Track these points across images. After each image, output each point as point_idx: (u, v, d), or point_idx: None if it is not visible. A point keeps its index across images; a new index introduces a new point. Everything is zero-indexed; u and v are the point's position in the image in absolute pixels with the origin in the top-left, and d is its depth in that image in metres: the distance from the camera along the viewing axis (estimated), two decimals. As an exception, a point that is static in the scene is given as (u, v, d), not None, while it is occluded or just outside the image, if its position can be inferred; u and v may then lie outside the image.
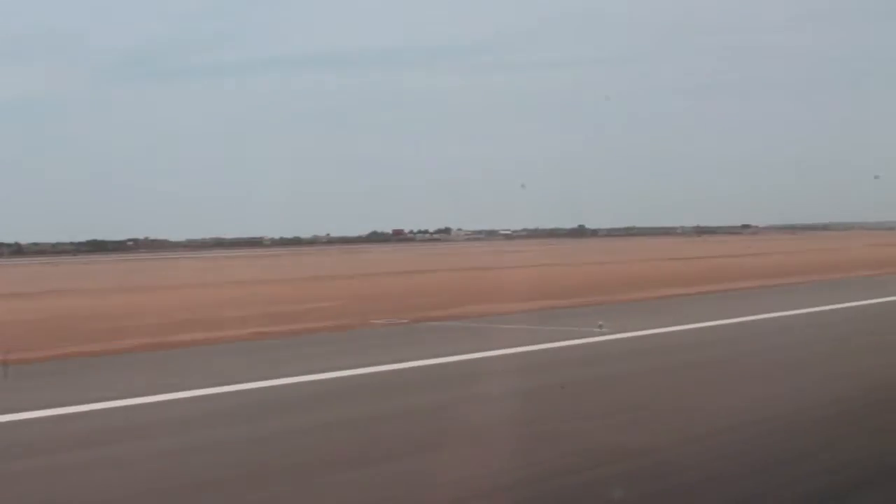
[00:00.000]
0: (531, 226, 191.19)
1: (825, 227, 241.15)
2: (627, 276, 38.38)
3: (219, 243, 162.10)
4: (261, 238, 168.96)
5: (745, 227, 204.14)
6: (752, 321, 19.68)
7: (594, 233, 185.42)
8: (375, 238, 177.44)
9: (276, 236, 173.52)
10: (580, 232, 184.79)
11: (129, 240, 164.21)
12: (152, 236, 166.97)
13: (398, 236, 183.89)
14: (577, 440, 8.78)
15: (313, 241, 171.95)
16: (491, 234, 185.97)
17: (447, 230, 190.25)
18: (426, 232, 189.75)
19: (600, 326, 18.39)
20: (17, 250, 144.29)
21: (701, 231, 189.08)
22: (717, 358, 14.76)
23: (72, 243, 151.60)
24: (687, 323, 19.31)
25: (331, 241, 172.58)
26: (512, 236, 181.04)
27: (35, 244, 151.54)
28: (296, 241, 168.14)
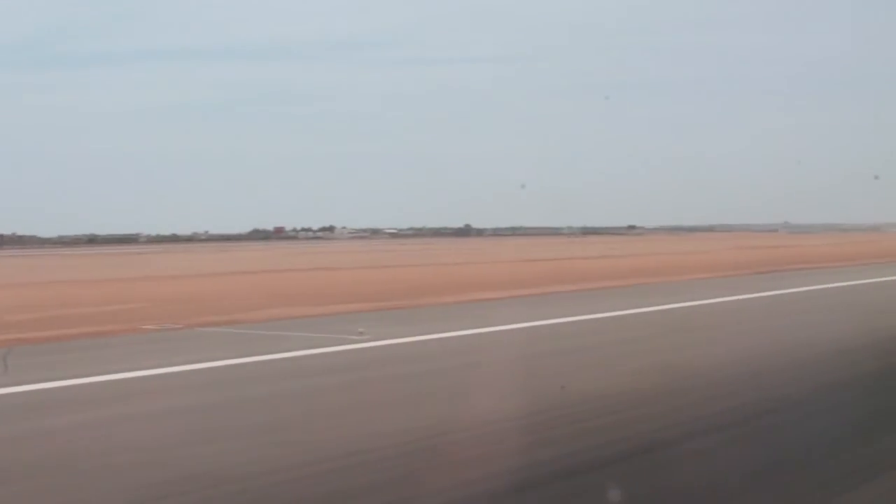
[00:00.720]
0: (418, 224, 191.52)
1: (711, 229, 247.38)
2: (456, 278, 37.35)
3: (92, 240, 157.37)
4: (136, 235, 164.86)
5: (632, 227, 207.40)
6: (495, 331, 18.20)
7: (480, 232, 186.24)
8: (256, 236, 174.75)
9: (154, 233, 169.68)
10: (465, 231, 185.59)
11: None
12: (20, 232, 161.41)
13: (279, 234, 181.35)
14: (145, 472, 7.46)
15: (191, 239, 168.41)
16: (376, 233, 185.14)
17: (331, 228, 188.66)
18: (310, 230, 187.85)
19: (361, 333, 17.25)
20: None
21: (587, 231, 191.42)
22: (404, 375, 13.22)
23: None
24: (457, 330, 18.03)
25: (210, 238, 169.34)
26: (397, 235, 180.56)
27: None
28: (173, 239, 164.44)
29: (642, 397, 10.36)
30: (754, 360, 13.18)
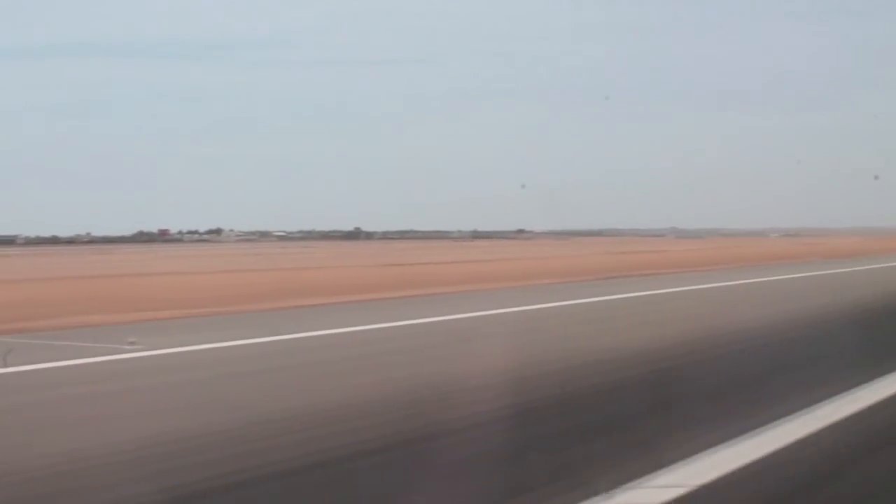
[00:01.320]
0: (308, 227, 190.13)
1: (599, 233, 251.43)
2: (302, 282, 37.04)
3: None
4: (14, 237, 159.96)
5: (521, 231, 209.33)
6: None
7: (369, 236, 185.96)
8: (141, 238, 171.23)
9: (34, 235, 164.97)
10: (355, 235, 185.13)
11: None
12: None
13: (164, 236, 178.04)
14: None
15: (73, 241, 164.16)
16: (264, 236, 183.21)
17: (218, 231, 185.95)
18: (196, 232, 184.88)
19: (132, 343, 16.79)
20: None
21: (477, 236, 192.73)
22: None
23: None
24: (241, 339, 17.66)
25: (92, 240, 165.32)
26: (285, 238, 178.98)
27: None
28: (53, 241, 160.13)
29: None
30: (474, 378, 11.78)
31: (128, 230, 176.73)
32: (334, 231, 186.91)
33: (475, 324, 20.32)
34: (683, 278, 37.15)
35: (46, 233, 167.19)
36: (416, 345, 17.06)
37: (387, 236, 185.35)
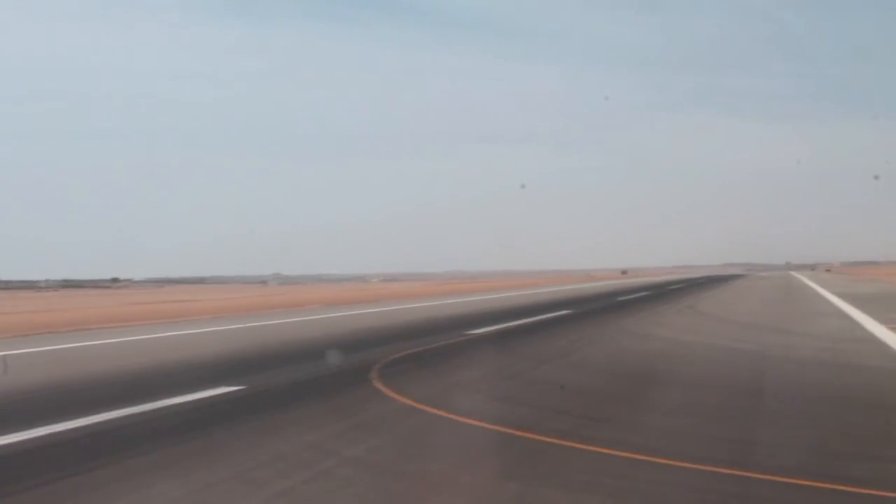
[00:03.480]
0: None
1: (201, 281, 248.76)
2: None
3: None
4: None
5: (115, 280, 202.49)
6: None
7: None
8: None
9: None
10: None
11: None
12: None
13: None
14: None
15: None
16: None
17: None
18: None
19: None
20: None
21: (67, 284, 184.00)
22: None
23: None
24: None
25: None
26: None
27: None
28: None
29: None
30: None
31: None
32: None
33: None
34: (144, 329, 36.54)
35: None
36: None
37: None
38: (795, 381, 11.24)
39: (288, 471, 6.65)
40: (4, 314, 47.49)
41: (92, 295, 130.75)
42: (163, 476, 6.56)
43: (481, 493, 6.09)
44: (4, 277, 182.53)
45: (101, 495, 6.17)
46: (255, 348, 17.25)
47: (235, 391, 10.69)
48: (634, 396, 10.17)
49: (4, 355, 16.29)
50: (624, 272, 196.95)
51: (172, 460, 7.10)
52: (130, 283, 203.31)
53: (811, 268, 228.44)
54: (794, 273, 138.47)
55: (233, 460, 7.01)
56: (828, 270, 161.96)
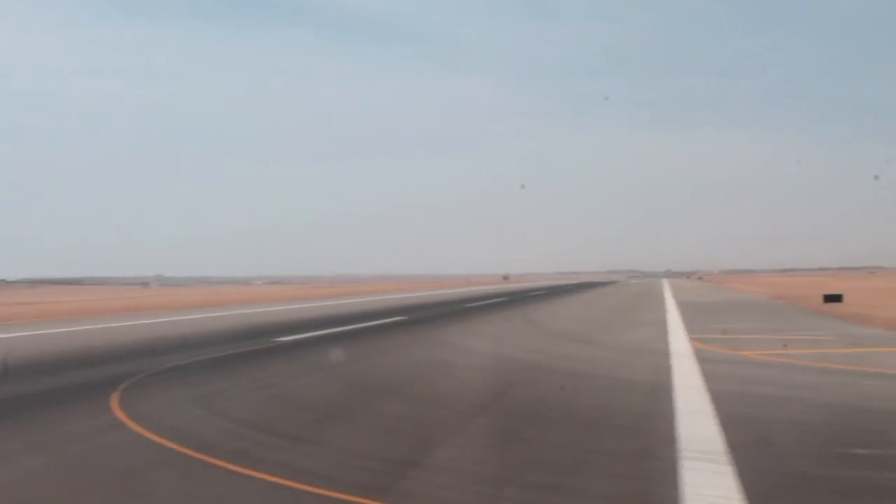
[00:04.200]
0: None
1: (78, 282, 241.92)
2: None
3: None
4: None
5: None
6: None
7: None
8: None
9: None
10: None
11: None
12: None
13: None
14: None
15: None
16: None
17: None
18: None
19: None
20: None
21: None
22: None
23: None
24: None
25: None
26: None
27: None
28: None
29: None
30: None
31: None
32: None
33: None
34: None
35: None
36: None
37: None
38: (532, 394, 11.05)
39: None
40: None
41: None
42: None
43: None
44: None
45: None
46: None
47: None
48: (354, 410, 9.89)
49: None
50: (505, 277, 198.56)
51: None
52: (4, 285, 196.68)
53: (687, 276, 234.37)
54: (665, 280, 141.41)
55: None
56: (700, 278, 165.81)
